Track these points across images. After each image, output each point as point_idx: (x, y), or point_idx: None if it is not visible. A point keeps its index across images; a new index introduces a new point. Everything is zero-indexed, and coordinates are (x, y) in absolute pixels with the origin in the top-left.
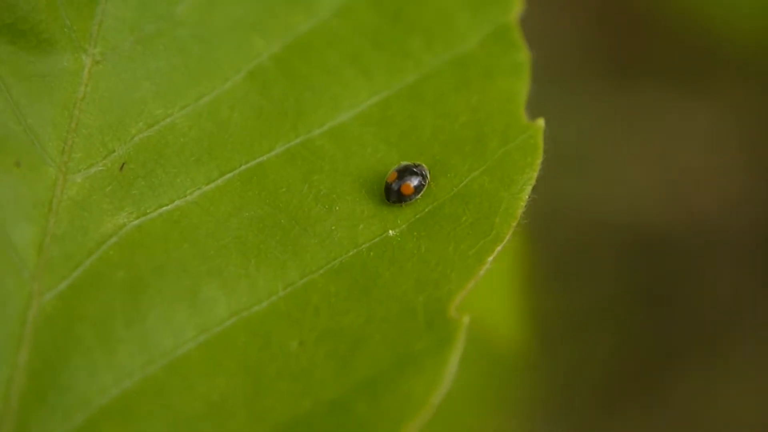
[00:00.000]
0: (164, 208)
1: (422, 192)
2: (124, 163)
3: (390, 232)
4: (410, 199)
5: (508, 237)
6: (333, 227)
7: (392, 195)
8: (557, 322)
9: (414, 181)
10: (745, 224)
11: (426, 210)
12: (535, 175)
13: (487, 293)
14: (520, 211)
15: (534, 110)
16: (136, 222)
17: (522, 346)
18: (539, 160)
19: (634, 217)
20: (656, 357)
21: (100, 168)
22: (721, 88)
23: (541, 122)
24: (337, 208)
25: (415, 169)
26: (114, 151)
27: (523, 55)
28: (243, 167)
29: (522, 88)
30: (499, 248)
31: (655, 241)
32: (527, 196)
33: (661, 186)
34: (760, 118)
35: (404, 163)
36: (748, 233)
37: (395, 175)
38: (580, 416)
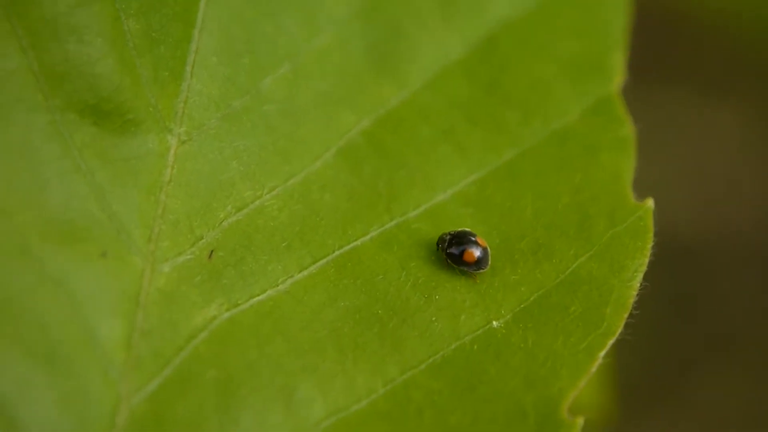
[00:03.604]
0: (256, 298)
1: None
2: (212, 251)
3: (494, 323)
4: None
5: (619, 329)
6: (433, 318)
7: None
8: None
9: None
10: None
11: (531, 299)
12: (647, 261)
13: None
14: (631, 301)
15: None
16: (227, 314)
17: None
18: (650, 244)
19: (659, 222)
20: (680, 363)
21: (189, 256)
22: (747, 93)
23: (650, 203)
24: (437, 296)
25: (472, 238)
26: (202, 237)
27: (627, 130)
28: (336, 253)
29: (628, 165)
30: (611, 342)
31: (680, 249)
32: (639, 284)
33: (686, 192)
34: None
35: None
36: None
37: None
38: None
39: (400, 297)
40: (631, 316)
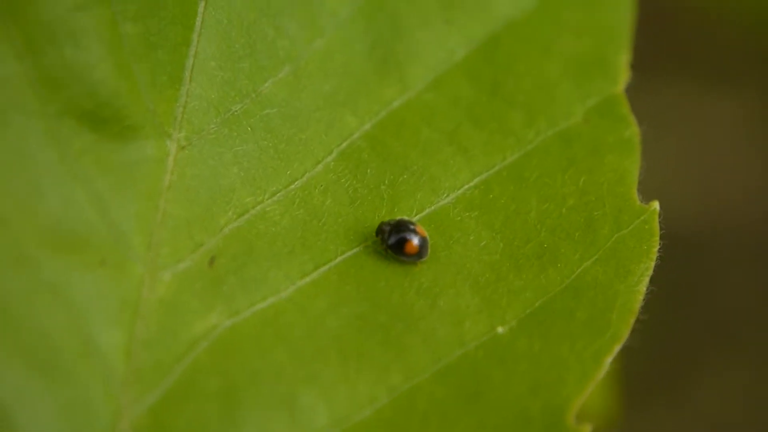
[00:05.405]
0: (257, 306)
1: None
2: (213, 257)
3: (499, 329)
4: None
5: (626, 335)
6: (437, 324)
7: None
8: None
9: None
10: None
11: (536, 305)
12: (653, 264)
13: None
14: (638, 306)
15: None
16: (228, 323)
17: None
18: (656, 248)
19: (664, 215)
20: (679, 354)
21: (189, 264)
22: (750, 84)
23: (655, 205)
24: (441, 302)
25: (411, 226)
26: (203, 244)
27: (633, 131)
28: (339, 259)
29: (633, 167)
30: (617, 348)
31: (683, 241)
32: (645, 289)
33: (690, 184)
34: None
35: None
36: None
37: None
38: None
39: (404, 303)
40: (637, 321)
